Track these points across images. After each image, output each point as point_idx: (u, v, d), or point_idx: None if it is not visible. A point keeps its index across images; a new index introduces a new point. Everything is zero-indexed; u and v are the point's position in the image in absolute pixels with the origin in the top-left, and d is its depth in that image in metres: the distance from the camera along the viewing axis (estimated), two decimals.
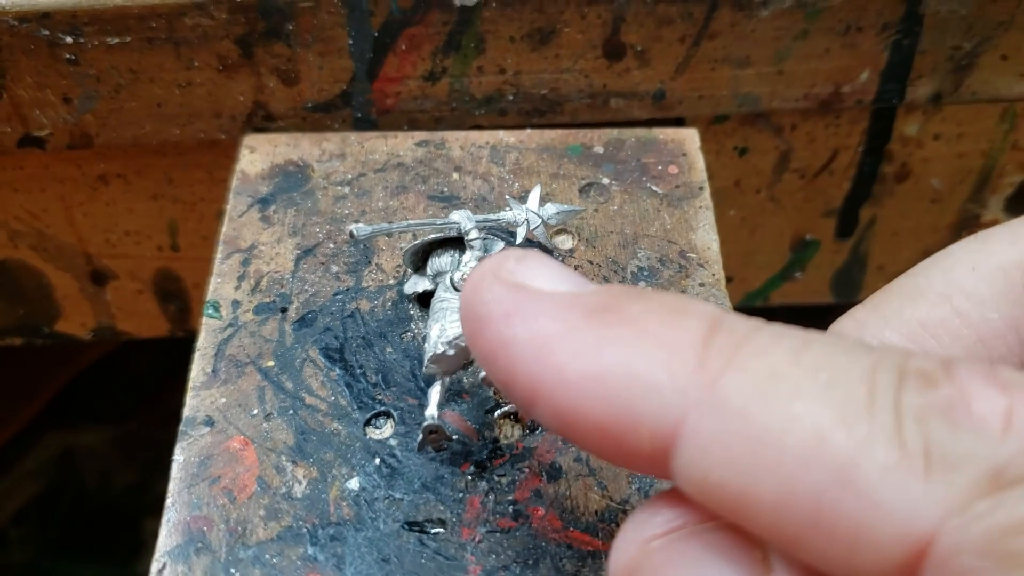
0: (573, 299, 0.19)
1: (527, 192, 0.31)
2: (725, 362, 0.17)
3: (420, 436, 0.27)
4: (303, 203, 0.33)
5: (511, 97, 0.36)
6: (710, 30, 0.35)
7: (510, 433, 0.27)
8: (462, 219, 0.29)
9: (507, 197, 0.31)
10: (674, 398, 0.17)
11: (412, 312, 0.30)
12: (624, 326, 0.18)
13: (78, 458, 0.88)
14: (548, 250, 0.32)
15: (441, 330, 0.27)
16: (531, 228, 0.30)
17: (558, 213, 0.31)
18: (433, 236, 0.30)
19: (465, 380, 0.28)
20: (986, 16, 0.36)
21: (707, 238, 0.32)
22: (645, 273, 0.31)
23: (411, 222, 0.30)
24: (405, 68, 0.35)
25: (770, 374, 0.17)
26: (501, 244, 0.30)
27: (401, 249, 0.31)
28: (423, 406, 0.27)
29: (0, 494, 0.84)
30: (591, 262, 0.32)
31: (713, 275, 0.31)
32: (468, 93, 0.36)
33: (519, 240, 0.30)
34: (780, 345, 0.17)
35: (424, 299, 0.30)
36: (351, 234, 0.29)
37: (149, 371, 0.88)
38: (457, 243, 0.30)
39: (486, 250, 0.29)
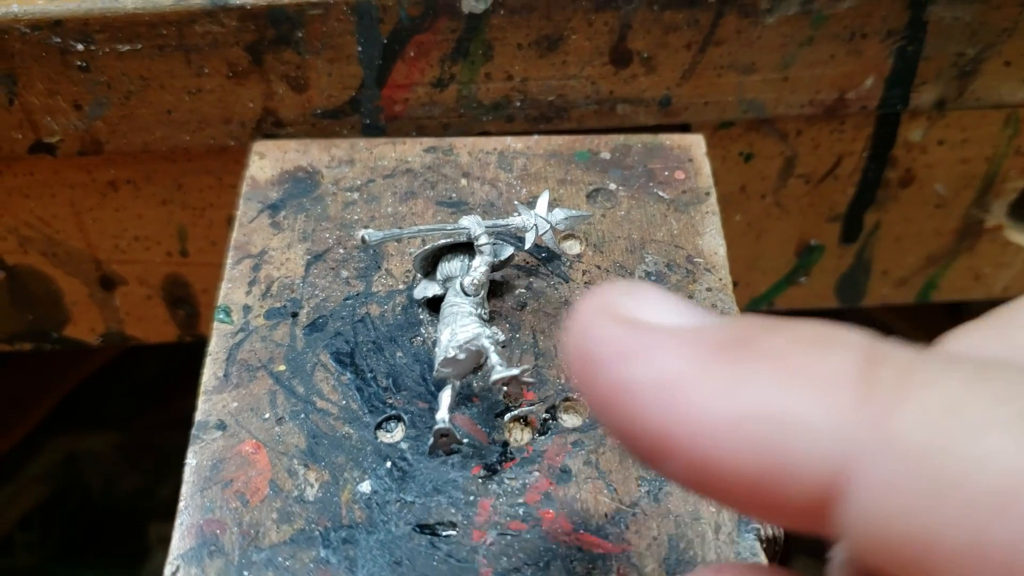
0: (698, 333, 0.17)
1: (535, 198, 0.31)
2: (893, 396, 0.15)
3: (431, 440, 0.27)
4: (313, 209, 0.33)
5: (519, 103, 0.37)
6: (716, 37, 0.35)
7: (520, 436, 0.28)
8: (472, 224, 0.29)
9: (515, 203, 0.31)
10: (836, 441, 0.15)
11: (422, 317, 0.31)
12: (764, 361, 0.16)
13: (83, 463, 0.88)
14: (556, 255, 0.32)
15: (452, 334, 0.27)
16: (540, 233, 0.31)
17: (566, 218, 0.31)
18: (443, 241, 0.30)
19: (475, 384, 0.29)
20: (989, 23, 0.36)
21: (714, 243, 0.33)
22: (652, 278, 0.32)
23: (421, 227, 0.30)
24: (414, 75, 0.36)
25: (950, 406, 0.15)
26: (510, 249, 0.30)
27: (411, 254, 0.32)
28: (433, 410, 0.28)
29: (5, 499, 0.84)
30: (599, 267, 0.32)
31: (720, 280, 0.32)
32: (476, 99, 0.37)
33: (528, 245, 0.30)
34: (954, 373, 0.15)
35: (434, 304, 0.30)
36: (363, 239, 0.29)
37: (154, 376, 0.88)
38: (467, 248, 0.30)
39: (495, 255, 0.30)
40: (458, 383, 0.27)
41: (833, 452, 0.15)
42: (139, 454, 0.89)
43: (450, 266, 0.30)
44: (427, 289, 0.30)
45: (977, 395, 0.15)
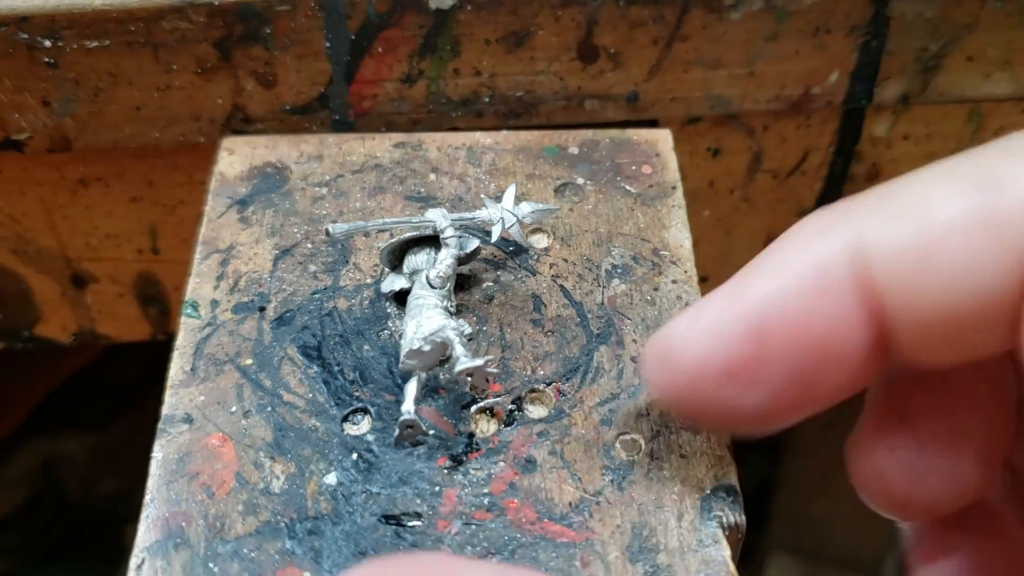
0: None
1: (503, 192, 0.32)
2: None
3: (397, 431, 0.27)
4: (281, 204, 0.34)
5: (487, 99, 0.37)
6: (682, 32, 0.36)
7: (486, 428, 0.28)
8: (437, 218, 0.29)
9: (483, 196, 0.31)
10: None
11: (389, 310, 0.31)
12: None
13: (60, 466, 0.88)
14: (524, 248, 0.32)
15: (417, 326, 0.28)
16: (506, 227, 0.31)
17: (533, 212, 0.31)
18: (409, 234, 0.30)
19: (441, 376, 0.29)
20: (951, 18, 0.37)
21: (679, 236, 0.33)
22: (619, 271, 0.32)
23: (386, 220, 0.30)
24: (382, 71, 0.36)
25: None
26: (476, 242, 0.31)
27: (379, 248, 0.32)
28: (400, 402, 0.28)
29: None
30: (566, 260, 0.32)
31: (685, 272, 0.32)
32: (445, 95, 0.37)
33: (494, 239, 0.31)
34: None
35: (401, 297, 0.31)
36: (327, 232, 0.29)
37: (131, 379, 0.88)
38: (433, 241, 0.30)
39: (461, 248, 0.30)
40: (424, 375, 0.27)
41: None
42: (117, 457, 0.88)
43: (416, 259, 0.30)
44: (394, 282, 0.30)
45: None
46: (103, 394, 0.89)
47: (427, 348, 0.27)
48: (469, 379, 0.27)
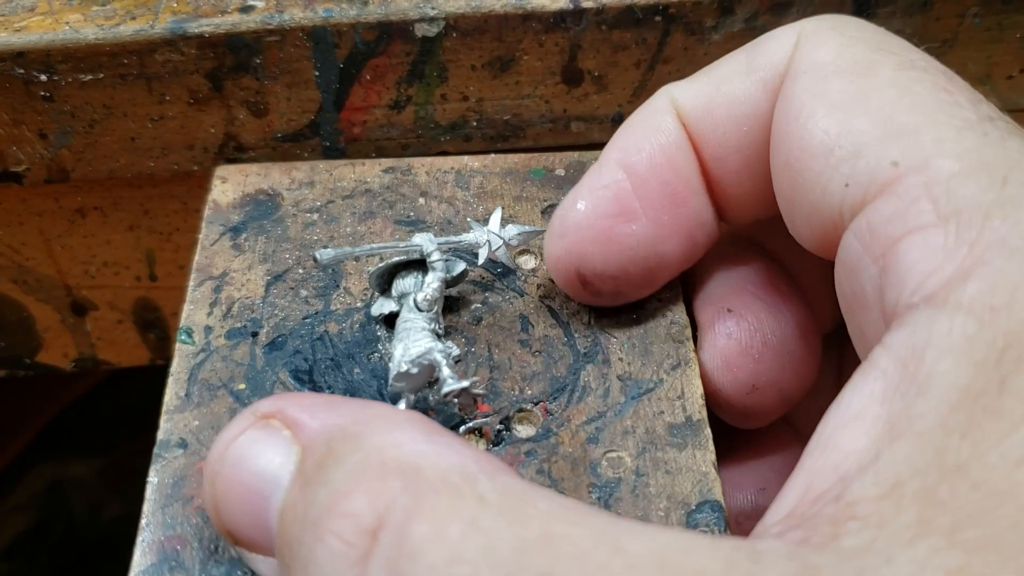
0: None
1: (490, 215, 0.32)
2: None
3: None
4: (273, 230, 0.34)
5: (475, 123, 0.38)
6: (664, 55, 0.36)
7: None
8: (424, 242, 0.30)
9: (468, 220, 0.32)
10: None
11: (379, 334, 0.31)
12: None
13: (67, 491, 0.88)
14: (511, 270, 0.33)
15: (404, 349, 0.28)
16: (493, 249, 0.31)
17: (519, 234, 0.32)
18: (397, 259, 0.31)
19: (431, 398, 0.29)
20: (930, 34, 0.37)
21: None
22: None
23: (373, 245, 0.31)
24: (371, 97, 0.37)
25: None
26: (463, 265, 0.31)
27: (368, 273, 0.32)
28: None
29: None
30: (553, 281, 0.33)
31: (670, 290, 0.32)
32: (433, 120, 0.37)
33: (481, 261, 0.31)
34: None
35: (391, 320, 0.31)
36: (315, 259, 0.30)
37: (135, 403, 0.88)
38: (421, 265, 0.31)
39: (448, 271, 0.30)
40: (412, 397, 0.28)
41: None
42: (123, 480, 0.89)
43: (404, 283, 0.31)
44: (384, 306, 0.31)
45: None
46: (108, 418, 0.89)
47: (414, 371, 0.27)
48: (456, 400, 0.27)
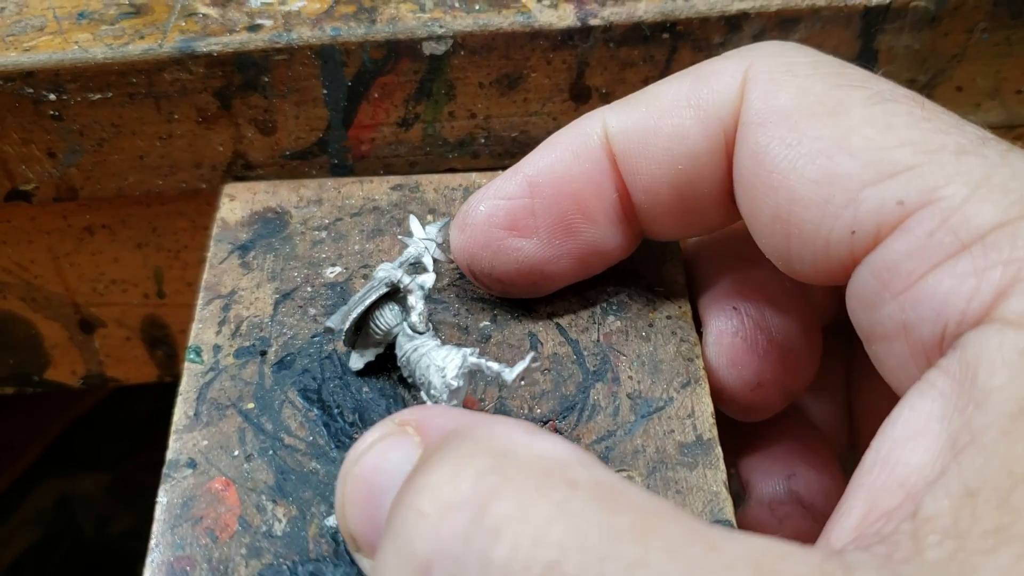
0: None
1: (410, 227, 0.33)
2: None
3: None
4: (282, 248, 0.34)
5: (483, 140, 0.38)
6: (672, 71, 0.36)
7: None
8: (389, 272, 0.30)
9: (399, 237, 0.33)
10: None
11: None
12: None
13: (75, 505, 0.88)
14: (450, 260, 0.33)
15: (439, 370, 0.28)
16: (430, 252, 0.32)
17: (439, 230, 0.33)
18: (360, 307, 0.30)
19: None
20: (939, 50, 0.37)
21: (673, 271, 0.33)
22: (614, 307, 0.32)
23: (359, 295, 0.30)
24: (379, 115, 0.37)
25: None
26: (433, 276, 0.30)
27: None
28: None
29: None
30: (561, 298, 0.33)
31: (679, 308, 0.32)
32: (441, 137, 0.37)
33: (431, 268, 0.32)
34: None
35: (372, 369, 0.31)
36: (330, 329, 0.30)
37: (143, 417, 0.88)
38: (388, 297, 0.30)
39: (422, 287, 0.30)
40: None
41: None
42: (130, 495, 0.89)
43: (385, 319, 0.30)
44: (363, 356, 0.31)
45: None
46: (116, 433, 0.89)
47: (462, 383, 0.27)
48: (523, 383, 0.29)
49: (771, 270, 0.32)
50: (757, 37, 0.36)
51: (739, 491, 0.33)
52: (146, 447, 0.89)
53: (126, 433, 0.89)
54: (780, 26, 0.36)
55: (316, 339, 0.32)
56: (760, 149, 0.26)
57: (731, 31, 0.35)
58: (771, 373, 0.31)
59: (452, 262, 0.33)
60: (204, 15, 0.35)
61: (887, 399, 0.24)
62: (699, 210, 0.29)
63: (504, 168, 0.38)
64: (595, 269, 0.31)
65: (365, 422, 0.29)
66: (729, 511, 0.27)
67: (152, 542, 0.27)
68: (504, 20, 0.35)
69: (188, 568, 0.26)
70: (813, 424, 0.35)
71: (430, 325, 0.30)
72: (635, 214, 0.30)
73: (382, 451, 0.23)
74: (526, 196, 0.30)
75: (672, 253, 0.34)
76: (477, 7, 0.35)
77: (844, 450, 0.36)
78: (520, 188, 0.30)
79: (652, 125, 0.28)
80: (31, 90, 0.34)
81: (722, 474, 0.28)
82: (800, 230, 0.25)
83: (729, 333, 0.31)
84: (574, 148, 0.29)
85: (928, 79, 0.38)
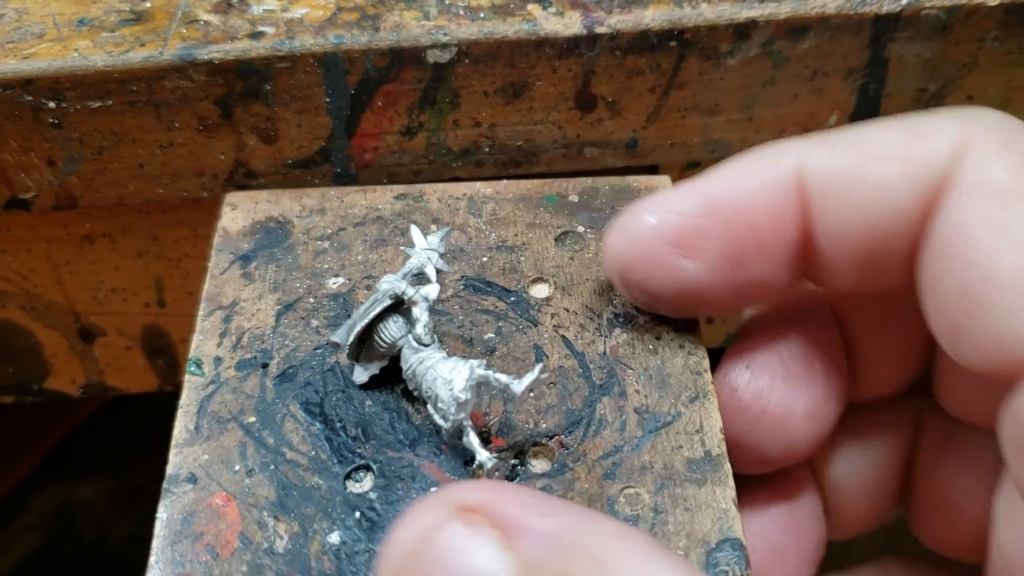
0: None
1: (412, 237, 0.33)
2: None
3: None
4: (284, 259, 0.34)
5: (487, 149, 0.37)
6: (679, 80, 0.36)
7: None
8: (393, 284, 0.29)
9: (401, 248, 0.32)
10: None
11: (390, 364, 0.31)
12: None
13: (76, 511, 0.88)
14: (525, 300, 0.32)
15: (446, 383, 0.27)
16: (433, 262, 0.31)
17: (441, 240, 0.32)
18: (364, 320, 0.29)
19: (443, 433, 0.29)
20: (949, 58, 0.37)
21: None
22: (621, 320, 0.32)
23: (361, 308, 0.30)
24: (382, 124, 0.36)
25: None
26: (437, 287, 0.30)
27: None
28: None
29: None
30: (567, 310, 0.32)
31: (687, 321, 0.32)
32: (445, 146, 0.37)
33: (434, 279, 0.31)
34: None
35: (376, 382, 0.30)
36: (335, 343, 0.30)
37: (144, 423, 0.88)
38: (392, 309, 0.30)
39: (426, 298, 0.29)
40: (469, 422, 0.27)
41: None
42: (132, 502, 0.88)
43: (389, 331, 0.29)
44: (367, 370, 0.30)
45: None
46: (117, 439, 0.89)
47: (470, 396, 0.27)
48: (531, 394, 0.29)
49: (810, 342, 0.31)
50: (765, 45, 0.35)
51: None
52: (148, 453, 0.88)
53: (128, 439, 0.89)
54: (789, 34, 0.35)
55: (318, 351, 0.31)
56: (964, 219, 0.25)
57: (739, 39, 0.35)
58: (751, 440, 0.30)
59: (455, 272, 0.33)
60: (205, 22, 0.35)
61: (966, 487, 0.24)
62: (878, 266, 0.27)
63: (509, 177, 0.37)
64: (748, 304, 0.30)
65: (368, 436, 0.29)
66: (738, 529, 0.27)
67: (152, 559, 0.26)
68: (509, 28, 0.34)
69: None
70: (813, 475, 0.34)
71: (435, 337, 0.29)
72: (810, 258, 0.28)
73: (458, 547, 0.20)
74: (702, 216, 0.28)
75: None
76: (482, 15, 0.35)
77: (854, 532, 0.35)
78: (697, 206, 0.28)
79: (856, 171, 0.27)
80: (30, 98, 0.34)
81: (731, 491, 0.27)
82: (985, 310, 0.24)
83: (728, 388, 0.31)
84: (763, 177, 0.28)
85: (938, 88, 0.38)
